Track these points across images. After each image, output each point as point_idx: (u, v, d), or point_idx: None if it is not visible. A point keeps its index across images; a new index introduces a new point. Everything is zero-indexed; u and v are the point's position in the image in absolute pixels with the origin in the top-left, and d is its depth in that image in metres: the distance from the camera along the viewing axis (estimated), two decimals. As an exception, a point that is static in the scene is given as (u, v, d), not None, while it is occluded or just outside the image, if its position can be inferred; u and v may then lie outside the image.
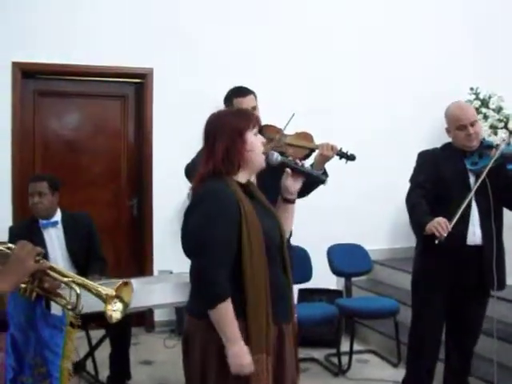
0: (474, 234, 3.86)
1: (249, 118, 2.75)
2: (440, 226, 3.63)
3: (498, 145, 3.92)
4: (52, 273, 2.26)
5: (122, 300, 2.29)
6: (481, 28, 7.05)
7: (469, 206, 3.81)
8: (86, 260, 4.65)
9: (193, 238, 2.58)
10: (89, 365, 4.80)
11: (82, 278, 2.28)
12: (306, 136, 4.28)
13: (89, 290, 2.26)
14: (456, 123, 3.92)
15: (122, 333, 4.56)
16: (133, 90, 6.44)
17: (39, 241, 4.38)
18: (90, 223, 4.82)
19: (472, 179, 3.88)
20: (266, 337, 2.58)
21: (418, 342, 4.13)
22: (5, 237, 4.33)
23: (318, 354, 5.59)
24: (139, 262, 6.40)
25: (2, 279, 2.11)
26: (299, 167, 2.90)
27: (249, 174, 2.77)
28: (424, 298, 4.06)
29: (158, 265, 6.20)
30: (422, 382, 4.15)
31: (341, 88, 6.68)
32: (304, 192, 3.03)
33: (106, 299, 2.23)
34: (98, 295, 2.25)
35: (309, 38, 6.65)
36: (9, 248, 2.26)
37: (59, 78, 6.19)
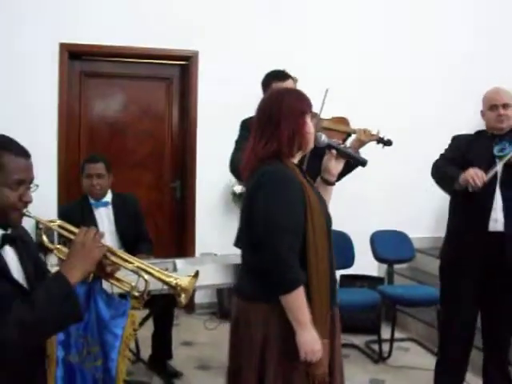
0: (496, 221, 3.83)
1: (308, 100, 2.74)
2: (476, 175, 3.66)
3: None
4: (113, 257, 2.27)
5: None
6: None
7: (493, 192, 3.80)
8: (133, 240, 4.68)
9: (264, 222, 2.52)
10: (131, 343, 4.85)
11: (151, 266, 2.29)
12: (343, 120, 4.29)
13: (158, 278, 2.28)
14: (489, 103, 3.95)
15: (165, 313, 4.61)
16: (178, 72, 6.45)
17: (91, 220, 4.43)
18: (136, 204, 4.86)
19: (499, 165, 3.83)
20: (326, 322, 2.59)
21: (446, 326, 4.16)
22: (53, 216, 4.36)
23: (359, 340, 5.58)
24: (181, 244, 6.44)
25: (73, 268, 2.10)
26: (344, 149, 2.91)
27: (300, 156, 2.77)
28: (449, 283, 4.10)
29: (199, 248, 6.23)
30: (452, 368, 4.14)
31: (387, 73, 6.61)
32: (341, 175, 3.03)
33: (177, 290, 2.27)
34: (169, 284, 2.28)
35: (357, 21, 6.60)
36: (66, 229, 2.28)
37: (105, 59, 6.23)
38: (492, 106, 3.92)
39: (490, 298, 4.00)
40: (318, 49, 6.45)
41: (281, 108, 2.63)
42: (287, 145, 2.62)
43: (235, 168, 4.03)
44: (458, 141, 4.09)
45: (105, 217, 4.66)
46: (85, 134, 6.26)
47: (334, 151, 2.86)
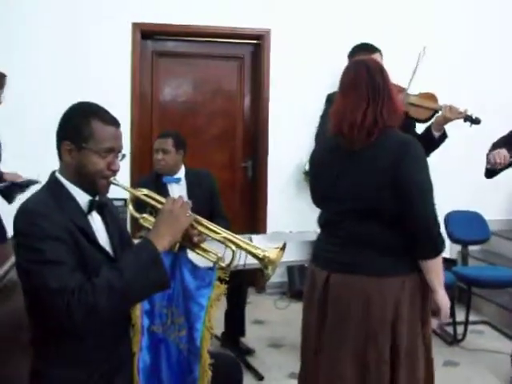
0: None
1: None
2: (498, 154, 3.69)
3: None
4: (200, 227, 2.28)
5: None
6: None
7: None
8: (208, 217, 4.66)
9: (420, 187, 2.61)
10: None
11: (238, 237, 2.32)
12: (431, 96, 4.19)
13: (246, 250, 2.31)
14: None
15: (239, 290, 4.62)
16: (250, 51, 6.43)
17: (164, 196, 4.41)
18: (212, 181, 4.83)
19: None
20: None
21: None
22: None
23: (432, 322, 5.48)
24: (253, 223, 6.44)
25: (161, 236, 2.13)
26: None
27: None
28: None
29: (270, 227, 6.23)
30: None
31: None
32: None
33: (265, 262, 2.31)
34: (256, 256, 2.31)
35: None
36: (153, 198, 2.29)
37: (177, 38, 6.27)
38: None
39: None
40: (394, 19, 6.31)
41: (388, 81, 2.72)
42: (395, 116, 2.69)
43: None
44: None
45: (177, 193, 4.64)
46: (157, 113, 6.31)
47: None
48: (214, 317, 4.66)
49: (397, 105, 2.69)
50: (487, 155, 3.88)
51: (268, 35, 6.19)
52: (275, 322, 5.50)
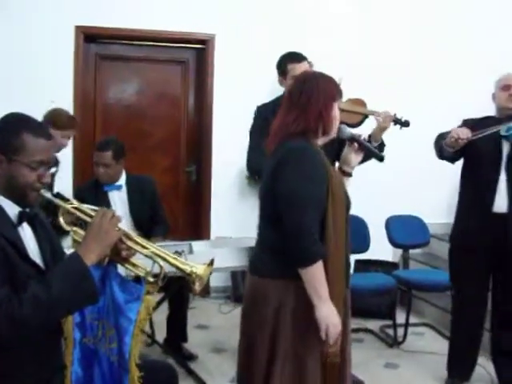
0: (501, 202, 3.92)
1: (339, 87, 2.82)
2: (462, 131, 3.84)
3: None
4: (129, 242, 2.27)
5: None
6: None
7: (497, 172, 3.92)
8: (148, 223, 4.68)
9: (288, 195, 2.57)
10: (146, 326, 4.87)
11: (167, 252, 2.30)
12: (360, 102, 4.37)
13: (174, 265, 2.29)
14: (502, 83, 4.04)
15: (180, 296, 4.62)
16: (194, 55, 6.42)
17: (104, 204, 4.40)
18: (153, 187, 4.83)
19: (506, 147, 3.94)
20: (341, 299, 2.64)
21: (457, 309, 4.25)
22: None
23: (374, 325, 5.59)
24: (196, 227, 6.43)
25: (89, 250, 2.11)
26: (365, 143, 2.99)
27: (323, 141, 2.81)
28: (456, 261, 4.21)
29: (214, 231, 6.24)
30: (464, 351, 4.22)
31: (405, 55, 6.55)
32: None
33: (193, 277, 2.28)
34: (184, 271, 2.29)
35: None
36: (82, 211, 2.28)
37: (121, 42, 6.22)
38: (505, 86, 4.01)
39: (500, 279, 4.09)
40: (333, 34, 6.37)
41: (313, 88, 2.70)
42: (314, 124, 2.68)
43: (253, 171, 4.08)
44: (465, 122, 4.15)
45: (118, 200, 4.65)
46: (100, 117, 6.26)
47: (355, 144, 2.94)
48: (151, 325, 4.66)
49: (312, 114, 2.67)
50: (436, 142, 4.07)
51: (212, 40, 6.19)
52: (219, 327, 5.49)
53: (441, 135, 4.08)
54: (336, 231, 2.60)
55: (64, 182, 5.55)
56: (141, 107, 6.36)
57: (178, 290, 4.42)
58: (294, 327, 2.62)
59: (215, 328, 5.50)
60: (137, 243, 2.28)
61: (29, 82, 5.62)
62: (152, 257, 2.26)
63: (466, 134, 3.83)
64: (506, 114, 3.99)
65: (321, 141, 2.77)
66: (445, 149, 3.96)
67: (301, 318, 2.60)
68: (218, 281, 6.25)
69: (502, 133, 3.88)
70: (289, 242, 2.55)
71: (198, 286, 2.29)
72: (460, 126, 4.09)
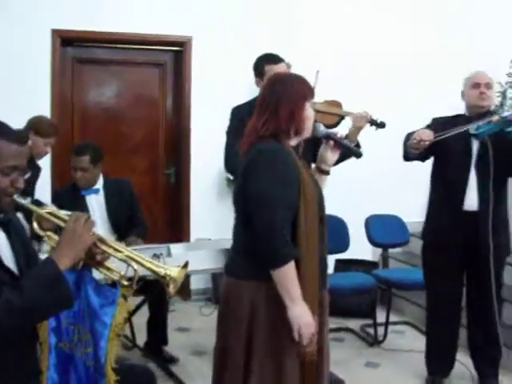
0: (471, 200, 3.94)
1: (311, 86, 2.84)
2: (424, 133, 3.86)
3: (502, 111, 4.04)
4: (103, 246, 2.27)
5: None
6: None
7: (467, 171, 3.93)
8: (126, 225, 4.68)
9: (258, 196, 2.57)
10: (126, 330, 4.85)
11: (141, 255, 2.30)
12: (336, 103, 4.42)
13: (148, 268, 2.29)
14: (471, 81, 4.04)
15: (160, 299, 4.61)
16: (171, 57, 6.41)
17: (82, 207, 4.42)
18: (131, 189, 4.83)
19: (475, 145, 3.95)
20: (315, 299, 2.63)
21: (432, 306, 4.29)
22: (46, 201, 4.35)
23: (354, 324, 5.60)
24: (176, 229, 6.43)
25: (63, 254, 2.11)
26: (341, 140, 2.97)
27: (297, 141, 2.81)
28: (429, 259, 4.26)
29: (194, 233, 6.23)
30: (442, 348, 4.25)
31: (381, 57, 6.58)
32: (334, 163, 3.08)
33: (167, 280, 2.27)
34: (158, 274, 2.29)
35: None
36: (57, 216, 2.27)
37: (98, 45, 6.19)
38: (475, 84, 4.01)
39: (473, 277, 4.13)
40: (308, 33, 6.40)
41: (284, 89, 2.71)
42: (285, 126, 2.67)
43: (229, 171, 4.09)
44: (434, 121, 4.17)
45: (95, 204, 4.65)
46: (78, 120, 6.23)
47: (331, 142, 2.93)
48: (131, 328, 4.64)
49: (284, 114, 2.67)
50: (404, 143, 4.06)
51: (190, 42, 6.19)
52: (200, 329, 5.48)
53: (408, 135, 4.07)
54: (308, 231, 2.59)
55: (43, 184, 5.56)
56: (119, 110, 6.35)
57: (157, 292, 4.41)
58: (269, 328, 2.62)
59: (196, 330, 5.49)
60: (111, 247, 2.28)
61: (7, 84, 5.60)
62: (126, 260, 2.26)
63: (428, 135, 3.84)
64: (475, 112, 4.00)
65: (294, 141, 2.76)
66: (409, 150, 3.97)
67: (275, 319, 2.60)
68: (198, 283, 6.25)
69: (472, 131, 3.87)
70: (259, 243, 2.55)
71: (172, 289, 2.28)
72: (429, 125, 4.11)
